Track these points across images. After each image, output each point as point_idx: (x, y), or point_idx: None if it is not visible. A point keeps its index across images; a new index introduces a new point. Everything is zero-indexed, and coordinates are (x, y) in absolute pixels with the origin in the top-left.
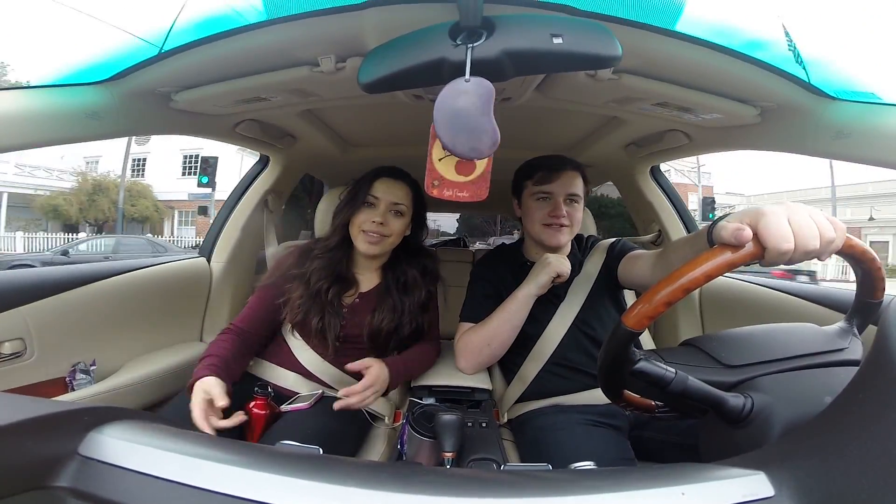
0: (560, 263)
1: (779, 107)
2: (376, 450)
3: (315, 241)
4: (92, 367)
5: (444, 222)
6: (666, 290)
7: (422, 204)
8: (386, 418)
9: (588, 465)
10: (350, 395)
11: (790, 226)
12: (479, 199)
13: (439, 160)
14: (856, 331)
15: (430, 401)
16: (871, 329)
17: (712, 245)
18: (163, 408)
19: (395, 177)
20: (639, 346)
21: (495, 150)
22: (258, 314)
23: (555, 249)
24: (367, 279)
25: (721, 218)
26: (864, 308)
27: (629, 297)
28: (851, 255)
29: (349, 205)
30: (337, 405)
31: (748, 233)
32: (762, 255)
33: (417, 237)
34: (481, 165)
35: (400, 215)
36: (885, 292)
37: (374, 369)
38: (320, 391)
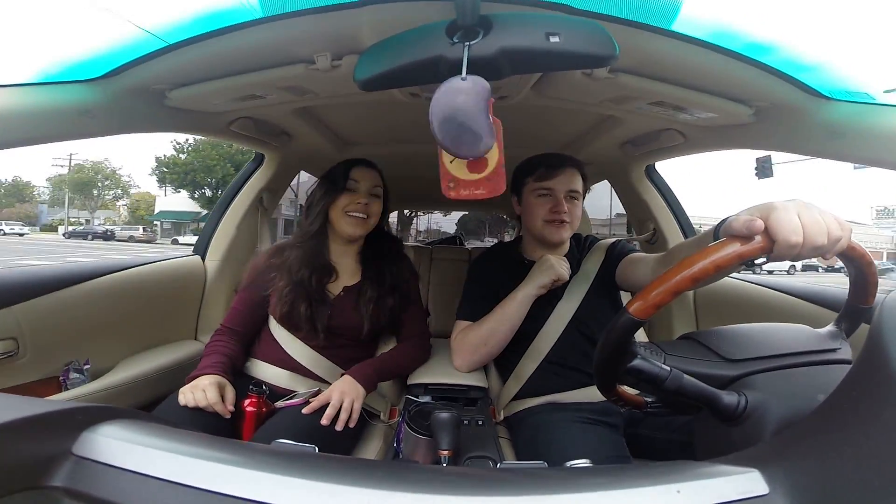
0: (560, 266)
1: (773, 106)
2: (372, 447)
3: (292, 234)
4: (85, 367)
5: (444, 225)
6: (675, 279)
7: (387, 191)
8: (382, 415)
9: (583, 462)
10: (329, 417)
11: (800, 220)
12: (496, 194)
13: (450, 162)
14: (844, 335)
15: (427, 399)
16: (859, 333)
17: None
18: (157, 407)
19: (368, 165)
20: None
21: (502, 141)
22: (243, 315)
23: (556, 246)
24: (347, 268)
25: (726, 219)
26: (853, 312)
27: (626, 298)
28: (852, 257)
29: (329, 192)
30: (323, 422)
31: (760, 223)
32: (771, 248)
33: (385, 221)
34: (493, 160)
35: (377, 198)
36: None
37: (335, 392)
38: (316, 389)
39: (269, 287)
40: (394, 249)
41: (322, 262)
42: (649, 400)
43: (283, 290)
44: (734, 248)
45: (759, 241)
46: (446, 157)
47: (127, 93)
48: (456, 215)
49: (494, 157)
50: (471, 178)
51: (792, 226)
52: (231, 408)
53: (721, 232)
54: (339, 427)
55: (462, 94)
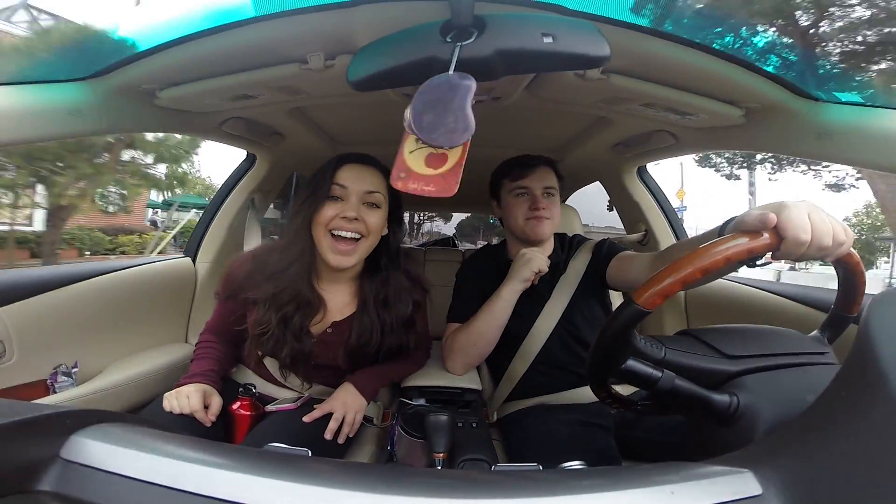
0: (539, 258)
1: (763, 108)
2: (365, 451)
3: (270, 247)
4: (74, 370)
5: (445, 229)
6: (685, 269)
7: (397, 196)
8: (375, 419)
9: (577, 464)
10: (332, 431)
11: (809, 220)
12: (446, 194)
13: (410, 152)
14: (826, 341)
15: (420, 401)
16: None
17: None
18: (144, 409)
19: (364, 162)
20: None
21: (469, 143)
22: (227, 327)
23: (538, 244)
24: (339, 299)
25: (733, 218)
26: (838, 320)
27: (615, 298)
28: (848, 264)
29: (310, 200)
30: (326, 436)
31: (772, 217)
32: (779, 244)
33: (397, 236)
34: (453, 159)
35: (376, 207)
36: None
37: (338, 404)
38: (307, 395)
39: (245, 314)
40: (404, 272)
41: (305, 297)
42: (638, 400)
43: (262, 334)
44: (743, 242)
45: (767, 238)
46: (407, 147)
47: (116, 92)
48: (455, 220)
49: (455, 157)
50: (424, 173)
51: (802, 224)
52: (213, 417)
53: (731, 227)
54: (341, 440)
55: (445, 85)
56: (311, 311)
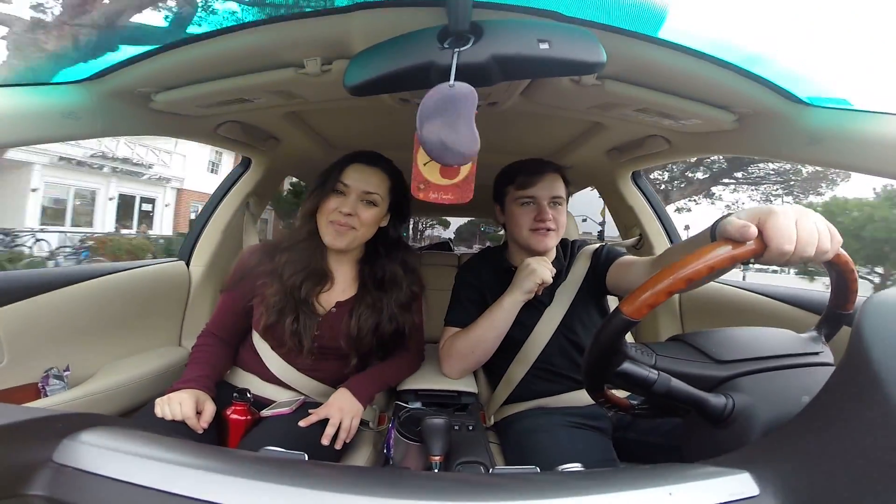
0: (543, 269)
1: (755, 113)
2: (361, 454)
3: (281, 236)
4: (66, 373)
5: (446, 235)
6: (668, 279)
7: (402, 193)
8: (370, 422)
9: (575, 466)
10: (329, 437)
11: (796, 229)
12: (463, 201)
13: (424, 164)
14: (823, 339)
15: (417, 405)
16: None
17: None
18: (136, 413)
19: (370, 163)
20: None
21: (477, 154)
22: (230, 319)
23: (541, 254)
24: (344, 278)
25: (728, 215)
26: (833, 318)
27: (612, 303)
28: (837, 264)
29: (317, 192)
30: (324, 441)
31: (753, 230)
32: (763, 252)
33: (397, 229)
34: (465, 168)
35: (372, 205)
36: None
37: (334, 410)
38: (302, 398)
39: (254, 295)
40: (400, 262)
41: (316, 267)
42: (635, 403)
43: (272, 297)
44: (727, 250)
45: (752, 245)
46: (421, 159)
47: (112, 95)
48: (454, 225)
49: (468, 166)
50: (441, 183)
51: (788, 234)
52: (205, 425)
53: (719, 230)
54: (338, 446)
55: (449, 102)
56: (319, 280)
